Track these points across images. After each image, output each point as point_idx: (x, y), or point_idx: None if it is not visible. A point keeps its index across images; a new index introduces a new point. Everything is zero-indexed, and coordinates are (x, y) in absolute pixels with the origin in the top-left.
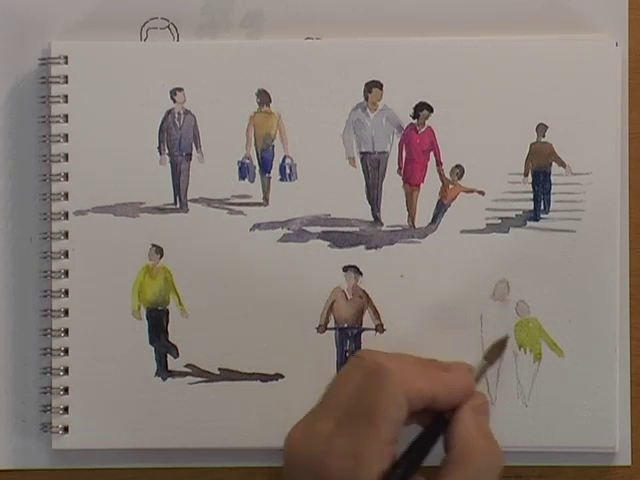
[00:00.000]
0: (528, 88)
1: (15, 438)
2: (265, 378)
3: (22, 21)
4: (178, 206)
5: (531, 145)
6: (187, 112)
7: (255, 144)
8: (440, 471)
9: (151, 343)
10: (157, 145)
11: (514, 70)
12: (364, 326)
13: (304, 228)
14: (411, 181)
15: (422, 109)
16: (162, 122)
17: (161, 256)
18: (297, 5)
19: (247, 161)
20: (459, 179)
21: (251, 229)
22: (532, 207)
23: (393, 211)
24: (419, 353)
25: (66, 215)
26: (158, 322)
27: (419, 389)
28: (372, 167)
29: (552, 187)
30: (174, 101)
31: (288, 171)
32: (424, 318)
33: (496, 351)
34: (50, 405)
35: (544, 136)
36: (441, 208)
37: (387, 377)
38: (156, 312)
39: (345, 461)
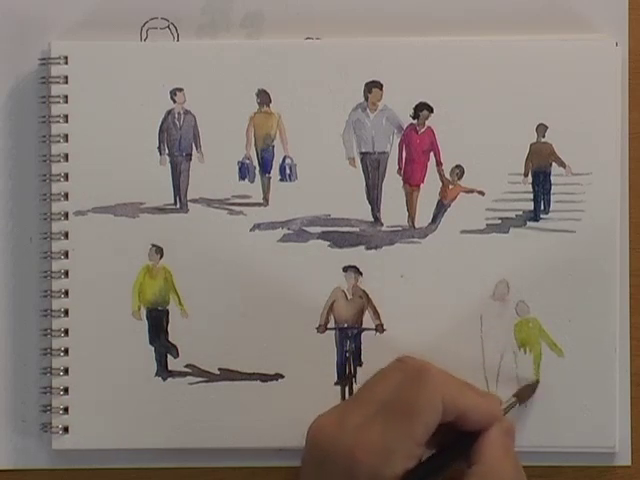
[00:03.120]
0: (528, 88)
1: (15, 438)
2: (265, 378)
3: (22, 21)
4: (178, 206)
5: (531, 145)
6: (187, 112)
7: (255, 144)
8: None
9: (151, 343)
10: (157, 145)
11: (514, 70)
12: (364, 326)
13: (304, 228)
14: (411, 181)
15: (422, 109)
16: (162, 122)
17: (161, 256)
18: (297, 5)
19: (247, 161)
20: (459, 179)
21: (251, 229)
22: (532, 207)
23: (393, 211)
24: (419, 353)
25: (66, 215)
26: (158, 322)
27: (454, 399)
28: (372, 167)
29: (552, 187)
30: (174, 101)
31: (288, 171)
32: (424, 318)
33: (527, 392)
34: (50, 405)
35: (544, 136)
36: (441, 208)
37: (428, 379)
38: (156, 312)
39: (373, 454)
